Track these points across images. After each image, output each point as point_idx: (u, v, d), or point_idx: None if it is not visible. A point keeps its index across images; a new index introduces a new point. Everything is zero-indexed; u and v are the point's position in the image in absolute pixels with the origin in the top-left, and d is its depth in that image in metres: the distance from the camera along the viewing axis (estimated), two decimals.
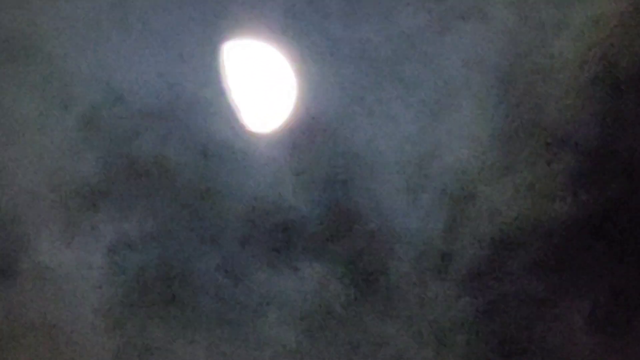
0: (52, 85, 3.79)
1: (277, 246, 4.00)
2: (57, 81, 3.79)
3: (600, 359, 4.11)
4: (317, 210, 3.97)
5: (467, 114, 3.89)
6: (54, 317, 3.97)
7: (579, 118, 3.92)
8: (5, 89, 3.79)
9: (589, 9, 3.79)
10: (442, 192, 3.98)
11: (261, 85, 3.81)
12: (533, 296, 4.08)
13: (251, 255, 4.00)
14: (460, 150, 3.94)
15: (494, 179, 3.97)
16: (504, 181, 3.98)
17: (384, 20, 3.78)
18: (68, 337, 3.99)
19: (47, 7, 3.72)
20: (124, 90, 3.81)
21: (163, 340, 4.03)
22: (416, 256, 4.04)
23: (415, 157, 3.94)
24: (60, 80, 3.79)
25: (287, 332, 4.07)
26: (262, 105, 3.82)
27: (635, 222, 4.04)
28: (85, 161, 3.87)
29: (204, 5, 3.73)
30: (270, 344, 4.07)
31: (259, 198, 3.95)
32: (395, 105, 3.88)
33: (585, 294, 4.09)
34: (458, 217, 4.01)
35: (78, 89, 3.80)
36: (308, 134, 3.88)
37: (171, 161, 3.89)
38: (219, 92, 3.81)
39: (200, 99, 3.82)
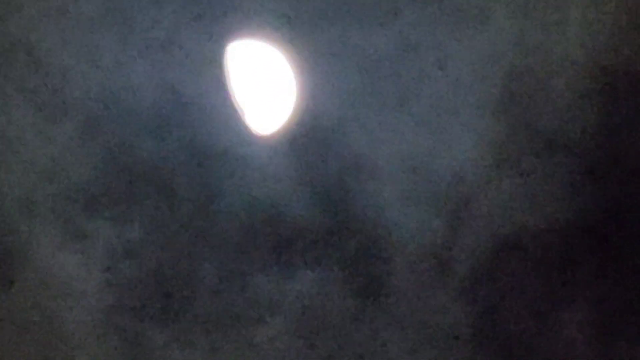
0: (51, 92, 3.79)
1: (276, 251, 3.99)
2: (56, 87, 3.78)
3: None
4: (317, 215, 3.97)
5: (465, 119, 3.91)
6: (52, 322, 3.94)
7: (577, 122, 3.94)
8: (3, 95, 3.78)
9: (587, 14, 3.82)
10: (440, 197, 3.98)
11: (262, 89, 3.81)
12: (532, 300, 4.08)
13: (250, 260, 3.99)
14: (458, 154, 3.94)
15: (492, 183, 3.98)
16: (502, 186, 3.99)
17: (386, 25, 3.79)
18: (66, 342, 3.97)
19: (45, 14, 3.72)
20: (122, 95, 3.80)
21: (161, 345, 4.01)
22: (415, 261, 4.04)
23: (414, 161, 3.94)
24: (59, 85, 3.78)
25: (286, 338, 4.06)
26: (262, 109, 3.82)
27: (635, 226, 4.05)
28: (83, 166, 3.86)
29: (205, 7, 3.74)
30: (269, 349, 4.06)
31: (259, 202, 3.94)
32: (395, 110, 3.89)
33: (585, 298, 4.09)
34: (457, 222, 4.01)
35: (76, 94, 3.80)
36: (308, 138, 3.88)
37: (170, 165, 3.88)
38: (219, 96, 3.81)
39: (199, 102, 3.82)
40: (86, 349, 3.98)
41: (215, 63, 3.77)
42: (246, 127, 3.84)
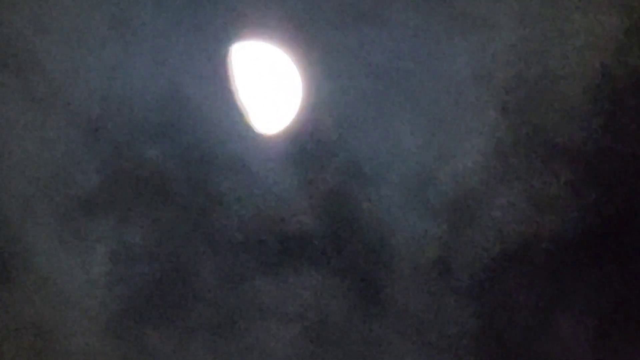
0: (53, 95, 3.78)
1: (277, 254, 3.99)
2: (58, 90, 3.78)
3: None
4: (319, 218, 3.97)
5: (468, 125, 3.91)
6: (52, 325, 3.93)
7: (580, 129, 3.95)
8: (6, 100, 3.77)
9: (589, 21, 3.83)
10: (443, 203, 3.98)
11: (265, 90, 3.81)
12: (534, 306, 4.08)
13: (252, 263, 3.99)
14: (461, 160, 3.95)
15: (495, 189, 3.98)
16: (506, 192, 3.99)
17: (390, 30, 3.80)
18: (66, 345, 3.96)
19: (48, 17, 3.72)
20: (125, 98, 3.80)
21: (161, 348, 4.00)
22: (417, 266, 4.04)
23: (417, 168, 3.94)
24: (61, 89, 3.78)
25: (287, 341, 4.05)
26: (266, 111, 3.82)
27: (637, 233, 4.06)
28: (86, 170, 3.86)
29: (207, 8, 3.74)
30: (270, 353, 4.05)
31: (261, 205, 3.94)
32: (398, 115, 3.89)
33: (587, 304, 4.09)
34: (459, 227, 4.01)
35: (79, 98, 3.79)
36: (311, 140, 3.88)
37: (172, 167, 3.88)
38: (222, 98, 3.81)
39: (203, 104, 3.82)
40: (85, 351, 3.97)
41: (218, 65, 3.77)
42: (249, 129, 3.84)
